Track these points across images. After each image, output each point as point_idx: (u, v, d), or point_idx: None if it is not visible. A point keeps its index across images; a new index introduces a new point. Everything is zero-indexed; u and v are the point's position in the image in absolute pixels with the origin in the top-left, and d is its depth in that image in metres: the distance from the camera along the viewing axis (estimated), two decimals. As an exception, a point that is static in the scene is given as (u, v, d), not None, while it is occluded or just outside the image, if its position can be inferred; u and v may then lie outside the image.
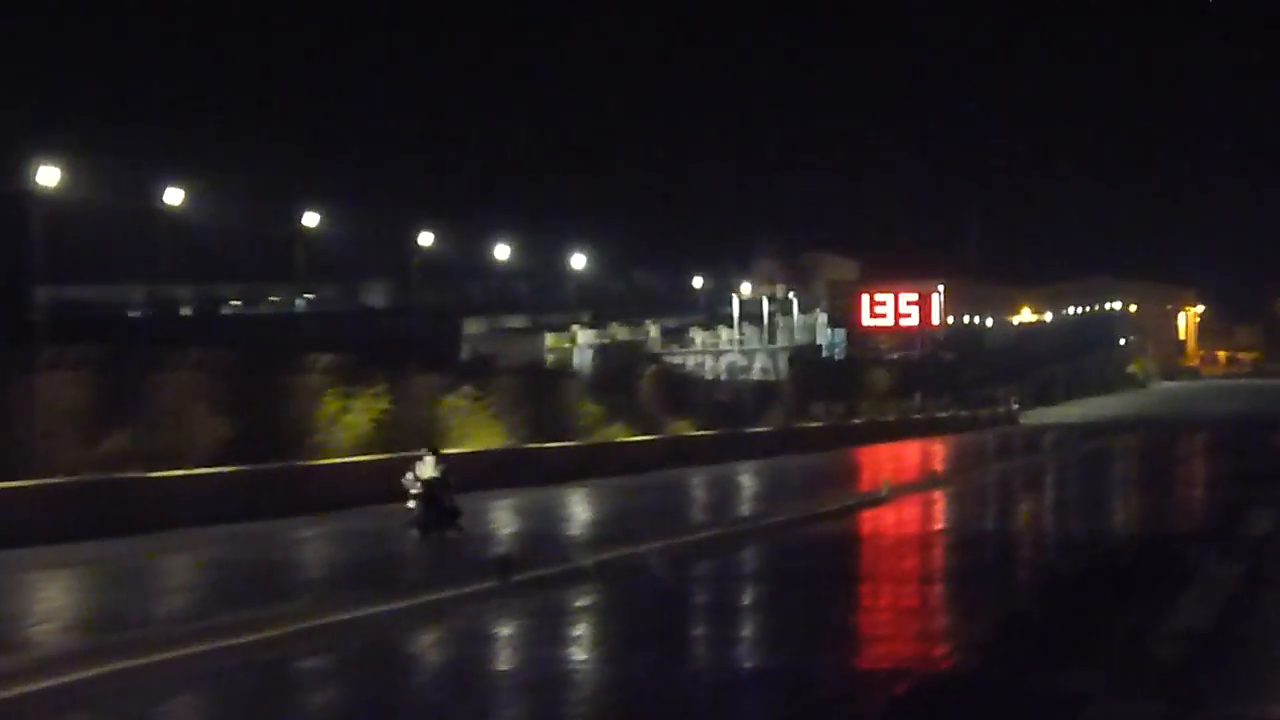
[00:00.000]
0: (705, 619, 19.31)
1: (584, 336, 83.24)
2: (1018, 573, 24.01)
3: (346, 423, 39.92)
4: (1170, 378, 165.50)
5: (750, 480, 45.35)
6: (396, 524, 27.88)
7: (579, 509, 36.32)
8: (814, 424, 72.88)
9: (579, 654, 16.39)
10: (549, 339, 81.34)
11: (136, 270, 70.72)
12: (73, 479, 29.94)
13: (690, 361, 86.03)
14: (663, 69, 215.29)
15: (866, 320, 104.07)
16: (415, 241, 67.13)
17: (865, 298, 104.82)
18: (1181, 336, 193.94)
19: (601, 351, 78.78)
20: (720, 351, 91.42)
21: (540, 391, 51.93)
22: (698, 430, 59.19)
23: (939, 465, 53.21)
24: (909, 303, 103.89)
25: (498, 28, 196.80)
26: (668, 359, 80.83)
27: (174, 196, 50.84)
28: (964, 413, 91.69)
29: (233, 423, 36.07)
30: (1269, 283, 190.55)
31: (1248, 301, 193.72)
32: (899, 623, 18.37)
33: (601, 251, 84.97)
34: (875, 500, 35.64)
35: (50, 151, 41.82)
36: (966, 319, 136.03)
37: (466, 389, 46.01)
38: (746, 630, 18.33)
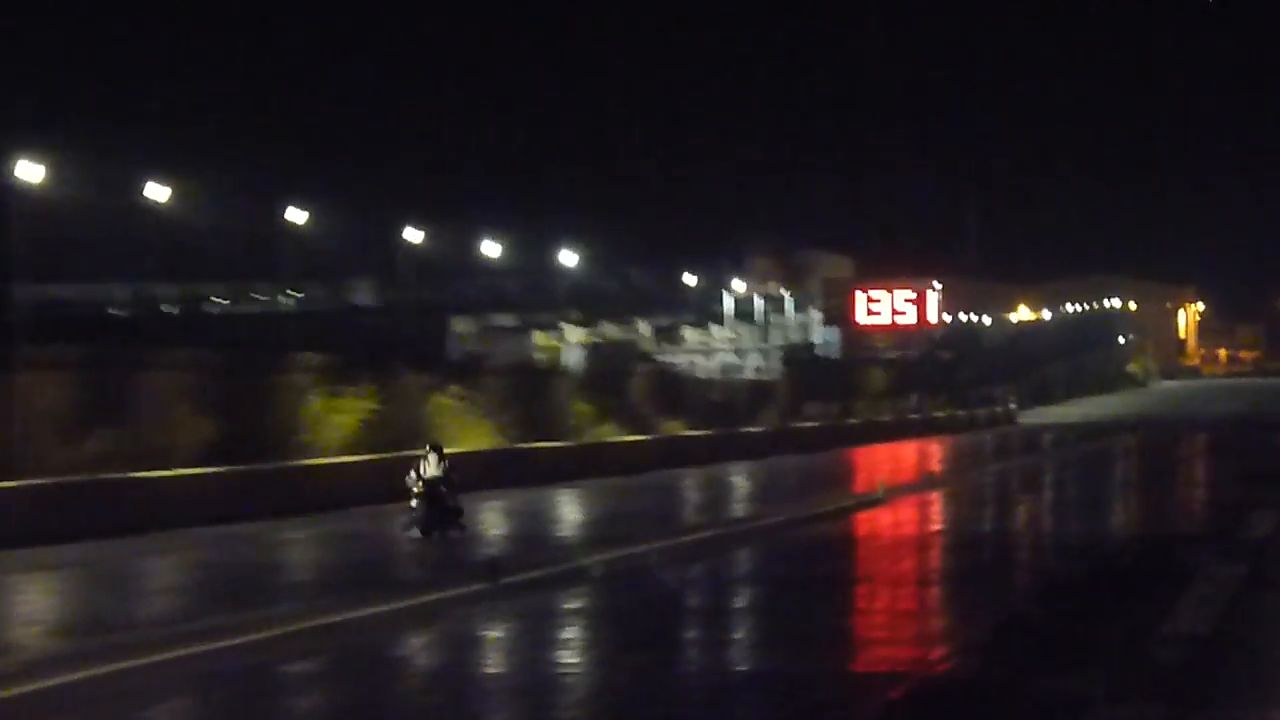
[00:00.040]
0: (698, 622, 19.15)
1: (574, 335, 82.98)
2: (1016, 575, 23.85)
3: (333, 423, 39.75)
4: (1170, 377, 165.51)
5: (744, 481, 45.20)
6: (393, 524, 27.77)
7: (570, 510, 36.18)
8: (809, 424, 72.65)
9: (569, 658, 16.21)
10: (539, 337, 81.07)
11: (120, 268, 70.51)
12: (56, 480, 29.68)
13: (683, 360, 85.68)
14: (656, 64, 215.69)
15: (862, 318, 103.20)
16: (402, 238, 66.84)
17: (860, 295, 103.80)
18: (1182, 335, 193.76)
19: (592, 350, 78.48)
20: (713, 350, 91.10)
21: (530, 391, 51.67)
22: (690, 430, 58.97)
23: (936, 466, 53.00)
24: (905, 300, 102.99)
25: (487, 22, 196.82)
26: (660, 358, 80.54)
27: (158, 193, 50.45)
28: (961, 413, 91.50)
29: (218, 423, 35.89)
30: (1270, 281, 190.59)
31: (1249, 299, 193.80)
32: (895, 625, 18.24)
33: (592, 248, 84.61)
34: (871, 502, 35.51)
35: (32, 147, 41.49)
36: (964, 317, 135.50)
37: (455, 388, 45.78)
38: (740, 633, 18.17)
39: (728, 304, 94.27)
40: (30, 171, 40.88)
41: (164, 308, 74.71)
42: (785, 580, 22.49)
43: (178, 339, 42.14)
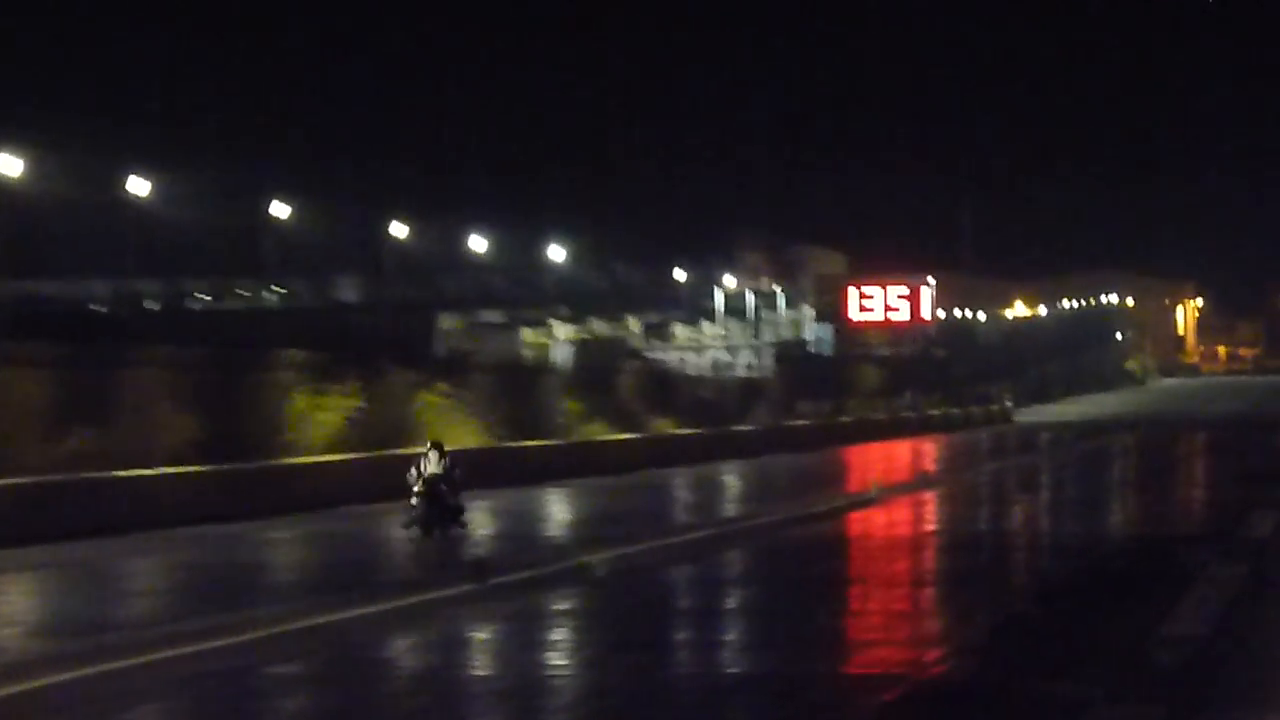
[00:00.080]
0: (689, 623, 19.04)
1: (563, 332, 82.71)
2: (1012, 576, 23.74)
3: (318, 421, 39.54)
4: (1169, 374, 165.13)
5: (735, 480, 45.07)
6: (380, 524, 27.62)
7: (559, 510, 36.02)
8: (801, 422, 72.35)
9: (558, 659, 16.08)
10: (527, 334, 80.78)
11: (101, 264, 70.23)
12: (36, 479, 29.33)
13: (673, 357, 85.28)
14: (646, 59, 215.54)
15: (855, 315, 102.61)
16: (388, 234, 66.52)
17: (853, 291, 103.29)
18: (1181, 332, 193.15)
19: (581, 347, 78.20)
20: (704, 347, 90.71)
21: (518, 388, 51.38)
22: (681, 429, 58.74)
23: (930, 465, 52.82)
24: (899, 296, 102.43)
25: (474, 16, 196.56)
26: (650, 355, 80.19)
27: (139, 187, 50.06)
28: (956, 411, 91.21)
29: (201, 421, 35.69)
30: (1271, 277, 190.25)
31: (1249, 296, 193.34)
32: (890, 627, 18.09)
33: (580, 244, 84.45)
34: (865, 501, 35.36)
35: (11, 141, 41.12)
36: (959, 313, 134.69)
37: (442, 386, 45.52)
38: (732, 635, 18.02)
39: (719, 300, 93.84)
40: (9, 165, 40.50)
41: (146, 304, 74.44)
42: (778, 581, 22.39)
43: (160, 336, 41.80)
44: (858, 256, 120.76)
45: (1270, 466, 45.72)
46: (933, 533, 29.97)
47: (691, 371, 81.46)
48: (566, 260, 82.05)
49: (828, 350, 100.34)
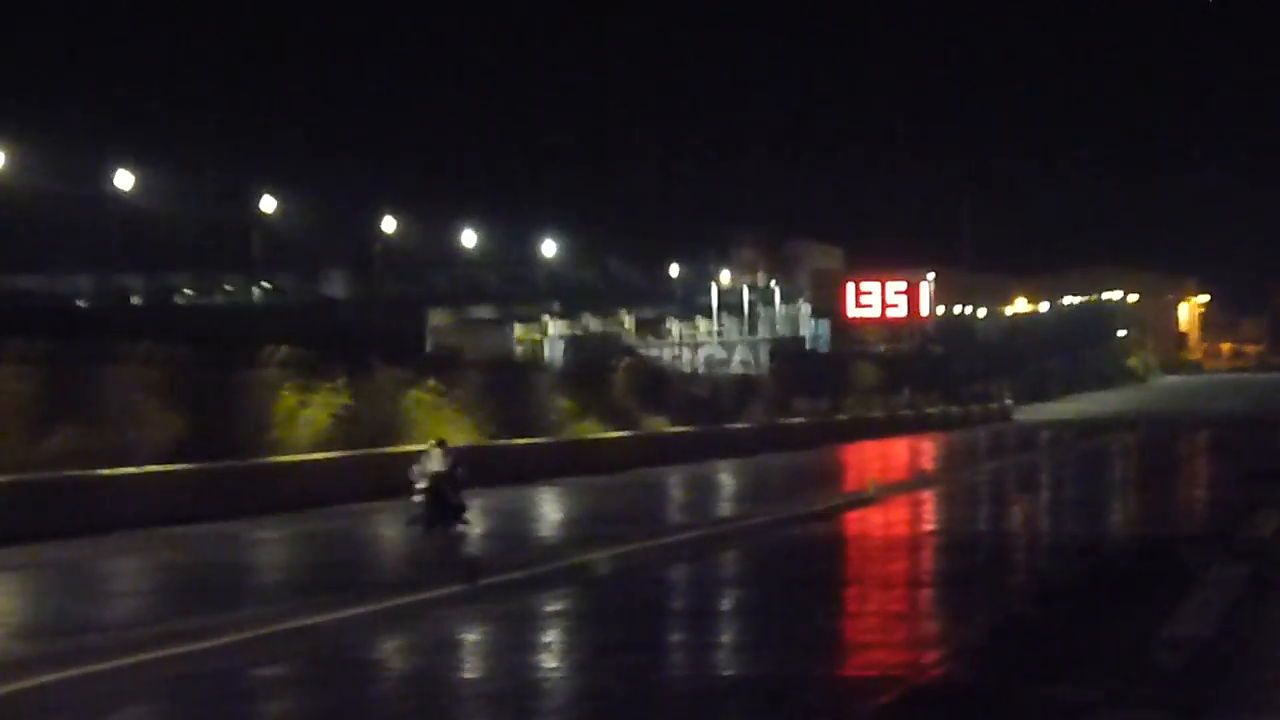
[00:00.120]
0: (683, 624, 18.95)
1: (555, 328, 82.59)
2: (1011, 577, 23.62)
3: (305, 418, 39.27)
4: (1171, 371, 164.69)
5: (730, 479, 45.02)
6: (369, 523, 27.55)
7: (550, 509, 35.92)
8: (797, 420, 72.16)
9: (549, 661, 16.06)
10: (518, 330, 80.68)
11: (86, 259, 70.00)
12: (19, 478, 29.11)
13: (666, 354, 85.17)
14: (643, 52, 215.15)
15: (852, 311, 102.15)
16: (377, 229, 66.24)
17: (850, 287, 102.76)
18: (1183, 328, 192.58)
19: (573, 343, 77.98)
20: (698, 344, 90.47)
21: (509, 385, 51.12)
22: (674, 426, 58.51)
23: (928, 464, 52.64)
24: (896, 292, 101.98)
25: (465, 10, 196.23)
26: (643, 351, 80.00)
27: (124, 181, 49.69)
28: (955, 409, 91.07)
29: (187, 418, 35.51)
30: (1275, 273, 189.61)
31: (1253, 292, 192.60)
32: (887, 628, 17.98)
33: (573, 239, 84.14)
34: (862, 500, 35.31)
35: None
36: (957, 309, 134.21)
37: (432, 383, 45.26)
38: (726, 636, 17.93)
39: (713, 296, 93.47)
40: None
41: (131, 300, 74.17)
42: (773, 582, 22.32)
43: (144, 331, 41.39)
44: (855, 252, 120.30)
45: (1273, 466, 45.69)
46: (931, 533, 29.86)
47: (685, 368, 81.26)
48: (559, 255, 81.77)
49: (824, 347, 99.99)
